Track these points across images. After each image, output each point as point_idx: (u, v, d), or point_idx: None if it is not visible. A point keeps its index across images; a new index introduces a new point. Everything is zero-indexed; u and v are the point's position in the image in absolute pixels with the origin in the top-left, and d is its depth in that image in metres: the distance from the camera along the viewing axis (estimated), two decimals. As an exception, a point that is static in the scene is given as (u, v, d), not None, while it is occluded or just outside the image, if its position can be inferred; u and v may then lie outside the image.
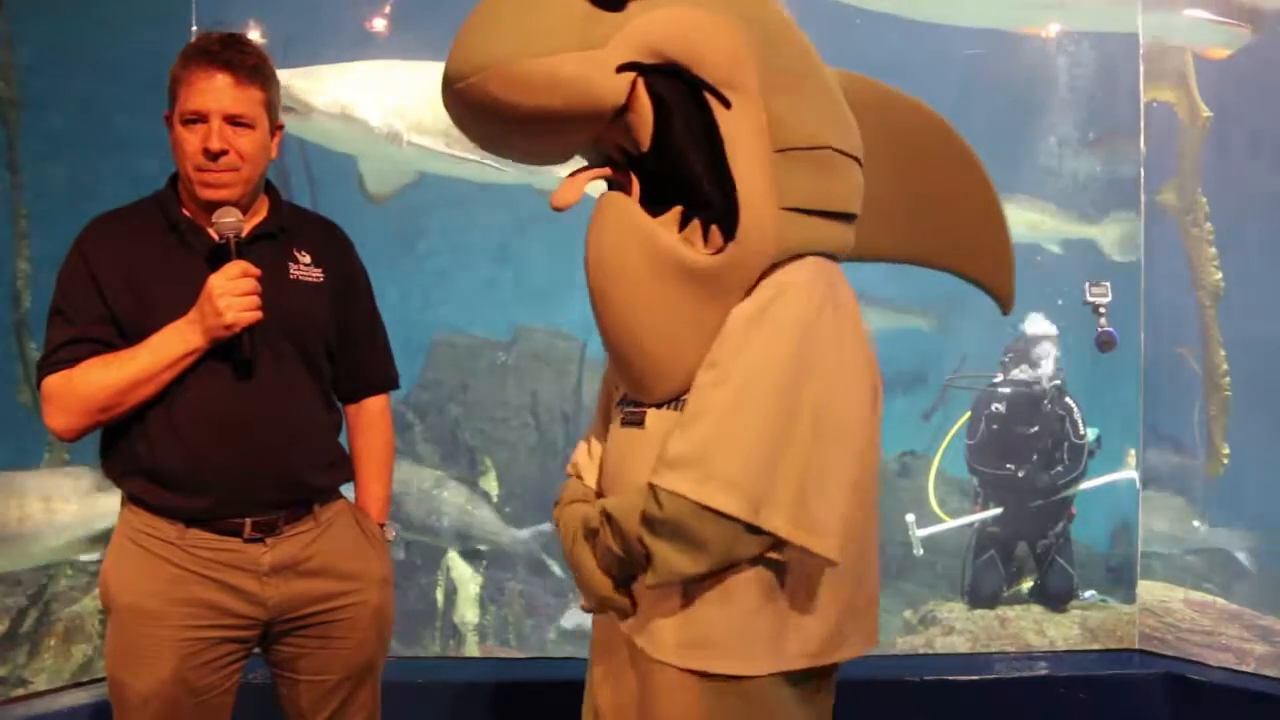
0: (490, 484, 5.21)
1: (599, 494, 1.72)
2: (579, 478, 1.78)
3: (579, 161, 1.68)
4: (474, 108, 1.51)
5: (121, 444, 1.88)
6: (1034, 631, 3.81)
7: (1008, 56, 4.99)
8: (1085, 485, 4.10)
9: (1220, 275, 4.25)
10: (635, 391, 1.62)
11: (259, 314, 1.83)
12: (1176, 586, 4.00)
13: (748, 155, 1.50)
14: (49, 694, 3.14)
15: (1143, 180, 3.86)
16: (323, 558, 1.96)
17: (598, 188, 1.64)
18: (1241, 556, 4.55)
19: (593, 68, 1.47)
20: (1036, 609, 3.95)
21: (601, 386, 1.83)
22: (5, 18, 3.60)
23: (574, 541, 1.62)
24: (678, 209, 1.54)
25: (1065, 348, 4.14)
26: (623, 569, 1.57)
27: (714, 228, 1.51)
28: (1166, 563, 4.26)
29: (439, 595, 4.72)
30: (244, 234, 1.89)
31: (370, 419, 2.13)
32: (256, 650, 1.99)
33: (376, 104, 4.26)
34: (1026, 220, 5.15)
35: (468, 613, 4.76)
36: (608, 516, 1.54)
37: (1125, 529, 4.41)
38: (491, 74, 1.46)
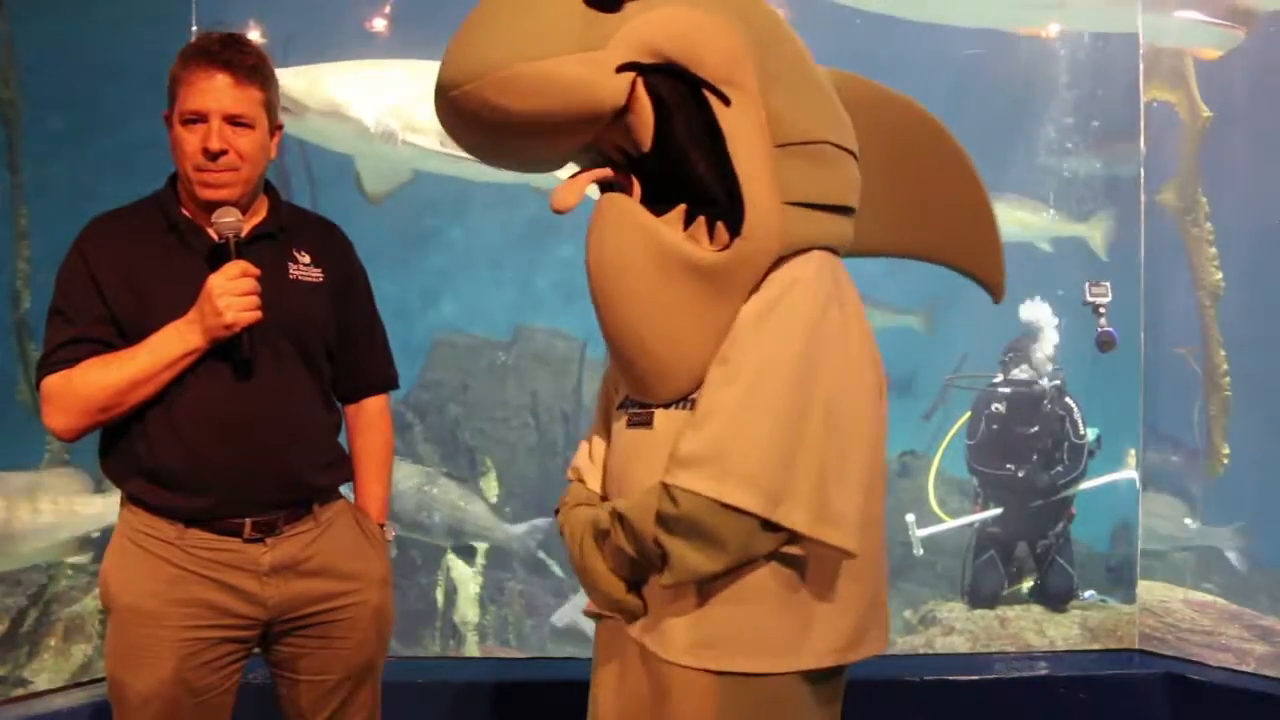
0: (490, 484, 5.21)
1: (604, 497, 1.71)
2: (581, 481, 1.77)
3: (571, 168, 1.68)
4: (469, 115, 1.50)
5: (121, 444, 1.88)
6: (1034, 631, 3.81)
7: (1007, 56, 4.99)
8: (1085, 485, 4.10)
9: (1220, 275, 4.25)
10: (640, 393, 1.61)
11: (258, 314, 1.83)
12: (1176, 586, 4.00)
13: (749, 152, 1.51)
14: (49, 694, 3.14)
15: (1143, 180, 3.86)
16: (322, 558, 1.96)
17: (594, 190, 1.64)
18: (1242, 556, 4.55)
19: (593, 69, 1.47)
20: (1036, 609, 3.95)
21: (601, 389, 1.82)
22: (5, 18, 3.59)
23: (582, 545, 1.61)
24: (681, 208, 1.54)
25: (1063, 342, 4.14)
26: (634, 570, 1.56)
27: (719, 225, 1.51)
28: (1166, 563, 4.27)
29: (439, 595, 4.72)
30: (243, 234, 1.89)
31: (370, 419, 2.13)
32: (256, 650, 1.99)
33: (371, 103, 4.26)
34: (1019, 219, 5.17)
35: (468, 613, 4.76)
36: (619, 517, 1.53)
37: (1125, 529, 4.41)
38: (489, 80, 1.45)
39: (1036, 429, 4.06)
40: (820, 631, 1.55)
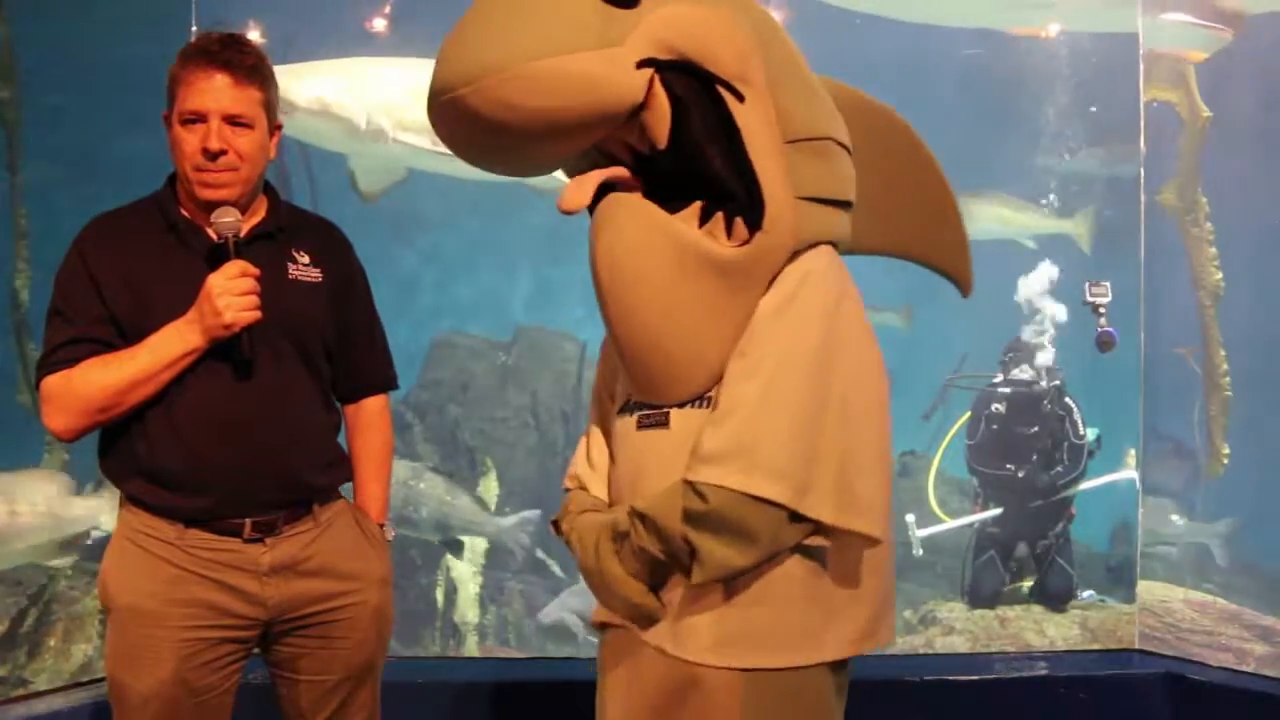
0: (490, 484, 5.21)
1: (611, 502, 1.69)
2: (583, 489, 1.74)
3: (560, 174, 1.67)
4: (475, 114, 1.45)
5: (120, 445, 1.88)
6: (1034, 631, 3.81)
7: (1005, 57, 4.99)
8: (1085, 485, 4.10)
9: (1220, 275, 4.25)
10: (653, 394, 1.59)
11: (258, 314, 1.83)
12: (1176, 586, 4.00)
13: (763, 147, 1.52)
14: (49, 694, 3.14)
15: (1143, 180, 3.86)
16: (322, 558, 1.96)
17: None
18: (1242, 556, 4.55)
19: (613, 66, 1.45)
20: (1036, 609, 3.95)
21: (594, 395, 1.79)
22: (5, 19, 3.60)
23: (598, 550, 1.58)
24: (696, 205, 1.53)
25: (1062, 342, 4.14)
26: (656, 573, 1.55)
27: (738, 220, 1.52)
28: (1166, 563, 4.26)
29: (439, 595, 4.72)
30: (242, 234, 1.89)
31: (369, 419, 2.13)
32: (256, 651, 1.99)
33: (360, 100, 4.23)
34: (1017, 219, 5.18)
35: (468, 612, 4.76)
36: (641, 518, 1.52)
37: (1125, 529, 4.41)
38: (503, 77, 1.41)
39: (1036, 429, 4.05)
40: (839, 622, 1.57)
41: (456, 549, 4.73)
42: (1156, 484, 4.23)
